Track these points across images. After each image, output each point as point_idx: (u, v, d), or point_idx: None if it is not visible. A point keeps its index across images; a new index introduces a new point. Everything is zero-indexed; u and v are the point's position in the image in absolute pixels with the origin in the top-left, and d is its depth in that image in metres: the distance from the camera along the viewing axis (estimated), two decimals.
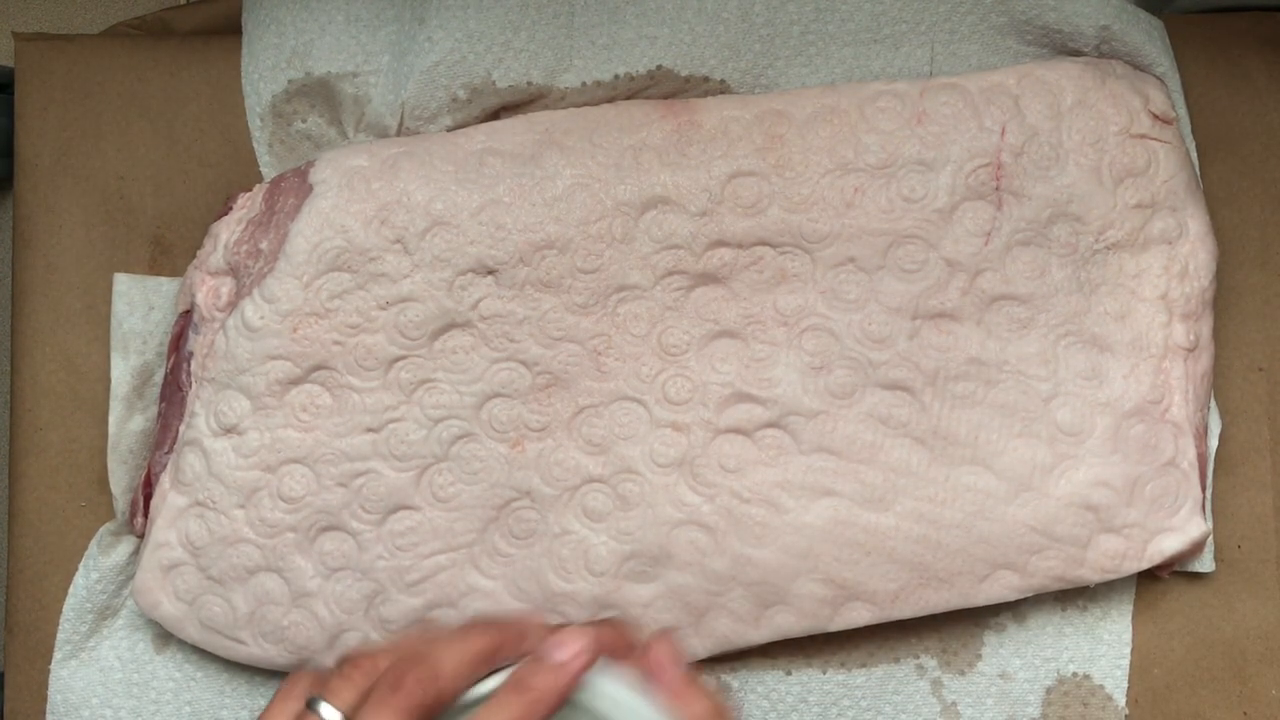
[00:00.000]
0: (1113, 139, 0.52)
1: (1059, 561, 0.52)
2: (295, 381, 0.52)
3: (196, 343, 0.53)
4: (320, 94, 0.56)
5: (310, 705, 0.35)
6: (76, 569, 0.54)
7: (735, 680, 0.54)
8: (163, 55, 0.57)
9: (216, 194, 0.56)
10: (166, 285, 0.56)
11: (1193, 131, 0.56)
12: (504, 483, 0.52)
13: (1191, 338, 0.53)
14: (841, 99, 0.53)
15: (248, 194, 0.54)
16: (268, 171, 0.56)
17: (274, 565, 0.52)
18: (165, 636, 0.54)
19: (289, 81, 0.55)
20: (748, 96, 0.54)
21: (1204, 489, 0.53)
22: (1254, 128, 0.57)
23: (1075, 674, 0.54)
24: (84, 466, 0.56)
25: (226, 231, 0.53)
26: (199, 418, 0.52)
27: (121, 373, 0.55)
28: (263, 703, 0.54)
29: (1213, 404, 0.55)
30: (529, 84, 0.55)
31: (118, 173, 0.56)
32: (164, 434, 0.53)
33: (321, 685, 0.36)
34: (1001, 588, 0.52)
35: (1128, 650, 0.55)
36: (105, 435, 0.55)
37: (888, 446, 0.52)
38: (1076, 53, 0.55)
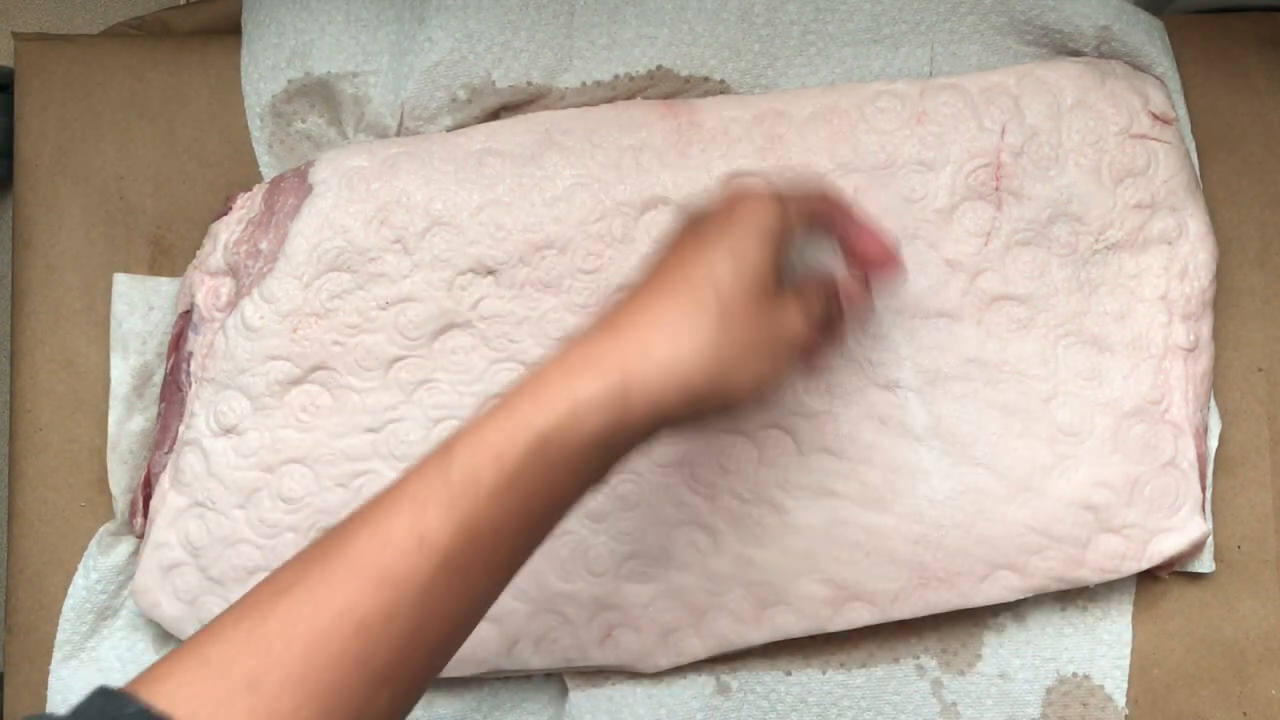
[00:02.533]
0: (1112, 139, 0.52)
1: (1059, 562, 0.52)
2: (295, 382, 0.52)
3: (196, 343, 0.53)
4: (320, 94, 0.56)
5: None
6: (76, 569, 0.54)
7: (735, 680, 0.54)
8: (163, 55, 0.57)
9: (216, 194, 0.56)
10: (166, 285, 0.56)
11: (1193, 131, 0.56)
12: None
13: (1191, 338, 0.53)
14: (841, 99, 0.53)
15: (247, 194, 0.54)
16: (268, 171, 0.56)
17: (274, 566, 0.52)
18: (165, 636, 0.54)
19: (289, 81, 0.55)
20: (748, 96, 0.54)
21: (1204, 489, 0.53)
22: (1254, 128, 0.57)
23: (1075, 674, 0.54)
24: (84, 466, 0.55)
25: (226, 231, 0.53)
26: (199, 418, 0.52)
27: (121, 373, 0.55)
28: None
29: (1213, 404, 0.55)
30: (529, 84, 0.55)
31: (118, 173, 0.56)
32: (164, 434, 0.53)
33: None
34: (1001, 588, 0.52)
35: (1128, 650, 0.54)
36: (105, 435, 0.55)
37: (888, 446, 0.52)
38: (1076, 53, 0.55)
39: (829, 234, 0.47)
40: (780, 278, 0.42)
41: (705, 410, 0.40)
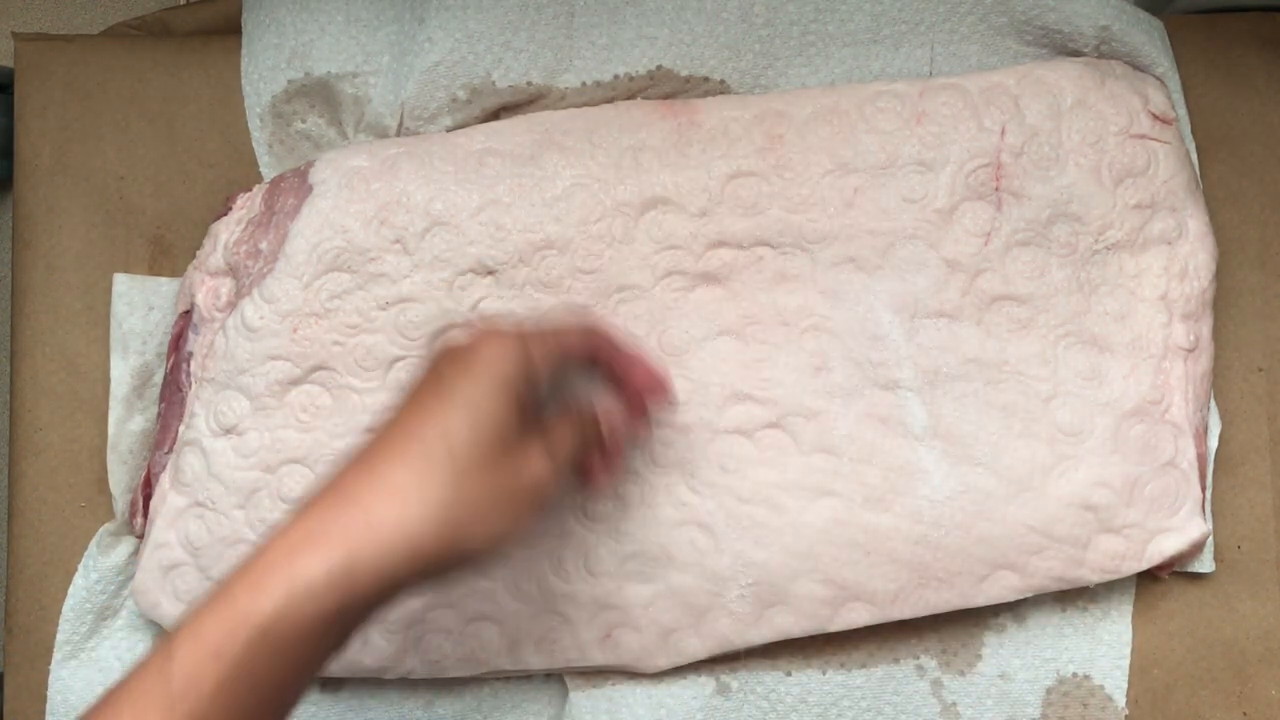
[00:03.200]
0: (1112, 139, 0.52)
1: (1059, 562, 0.52)
2: (295, 382, 0.52)
3: (196, 343, 0.53)
4: (320, 94, 0.56)
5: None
6: (76, 569, 0.54)
7: (735, 680, 0.54)
8: (163, 55, 0.57)
9: (216, 194, 0.56)
10: (166, 285, 0.56)
11: (1193, 131, 0.56)
12: None
13: (1191, 338, 0.53)
14: (841, 99, 0.53)
15: (247, 194, 0.54)
16: (268, 171, 0.56)
17: None
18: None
19: (289, 81, 0.55)
20: (748, 96, 0.54)
21: (1204, 489, 0.53)
22: (1254, 128, 0.57)
23: (1075, 674, 0.54)
24: (84, 466, 0.56)
25: (226, 231, 0.53)
26: (199, 418, 0.52)
27: (121, 373, 0.55)
28: None
29: (1213, 404, 0.55)
30: (529, 84, 0.55)
31: (118, 173, 0.56)
32: (164, 434, 0.53)
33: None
34: (1001, 588, 0.52)
35: (1128, 650, 0.55)
36: (105, 435, 0.55)
37: (887, 446, 0.52)
38: (1076, 53, 0.55)
39: (593, 366, 0.46)
40: (523, 424, 0.41)
41: (441, 571, 0.39)
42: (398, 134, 0.55)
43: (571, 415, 0.45)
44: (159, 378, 0.55)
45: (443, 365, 0.41)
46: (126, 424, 0.55)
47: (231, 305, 0.52)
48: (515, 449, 0.40)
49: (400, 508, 0.37)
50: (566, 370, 0.45)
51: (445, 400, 0.40)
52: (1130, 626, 0.55)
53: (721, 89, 0.55)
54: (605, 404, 0.46)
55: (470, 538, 0.38)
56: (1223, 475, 0.55)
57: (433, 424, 0.39)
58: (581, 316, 0.47)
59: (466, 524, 0.38)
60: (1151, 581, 0.55)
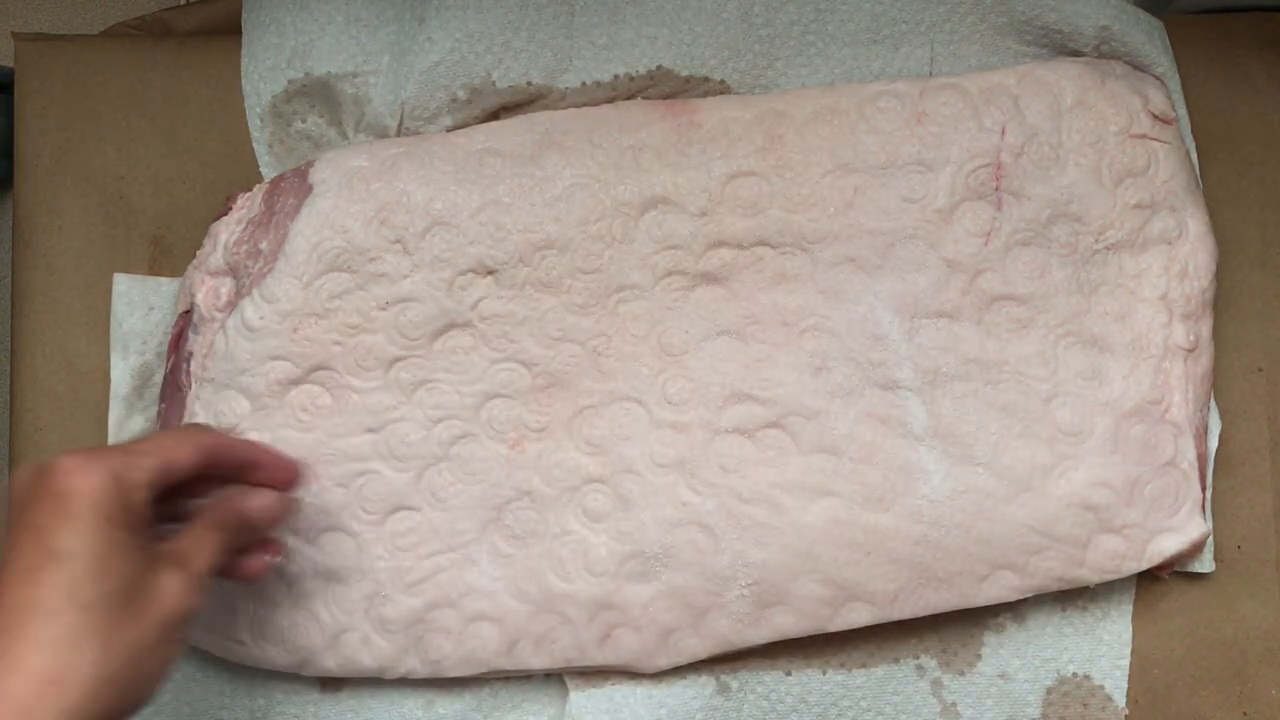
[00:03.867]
0: (1112, 139, 0.52)
1: (1059, 562, 0.52)
2: (295, 382, 0.52)
3: (196, 343, 0.53)
4: (320, 94, 0.56)
5: None
6: None
7: (735, 680, 0.54)
8: (163, 55, 0.57)
9: (216, 194, 0.56)
10: (166, 285, 0.56)
11: (1193, 131, 0.56)
12: (504, 483, 0.52)
13: (1191, 338, 0.53)
14: (841, 99, 0.53)
15: (247, 194, 0.54)
16: (268, 171, 0.56)
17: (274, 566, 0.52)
18: None
19: (289, 81, 0.55)
20: (748, 96, 0.54)
21: (1204, 489, 0.53)
22: (1254, 128, 0.57)
23: (1075, 674, 0.54)
24: None
25: (226, 231, 0.53)
26: (199, 418, 0.52)
27: (121, 373, 0.55)
28: (263, 703, 0.54)
29: (1213, 404, 0.55)
30: (529, 84, 0.55)
31: (118, 173, 0.56)
32: None
33: None
34: (1001, 588, 0.52)
35: (1128, 650, 0.55)
36: (105, 435, 0.55)
37: (887, 446, 0.52)
38: (1076, 53, 0.55)
39: (213, 468, 0.44)
40: (141, 549, 0.39)
41: None
42: (398, 134, 0.55)
43: (202, 519, 0.44)
44: (159, 378, 0.55)
45: (34, 514, 0.38)
46: (126, 424, 0.55)
47: (231, 305, 0.52)
48: (142, 581, 0.39)
49: (54, 693, 0.36)
50: (178, 480, 0.42)
51: (55, 559, 0.37)
52: (1130, 626, 0.55)
53: (721, 89, 0.55)
54: (234, 497, 0.45)
55: (130, 692, 0.38)
56: (1223, 475, 0.55)
57: (52, 591, 0.37)
58: (183, 427, 0.47)
59: (123, 681, 0.37)
60: (1151, 581, 0.55)
